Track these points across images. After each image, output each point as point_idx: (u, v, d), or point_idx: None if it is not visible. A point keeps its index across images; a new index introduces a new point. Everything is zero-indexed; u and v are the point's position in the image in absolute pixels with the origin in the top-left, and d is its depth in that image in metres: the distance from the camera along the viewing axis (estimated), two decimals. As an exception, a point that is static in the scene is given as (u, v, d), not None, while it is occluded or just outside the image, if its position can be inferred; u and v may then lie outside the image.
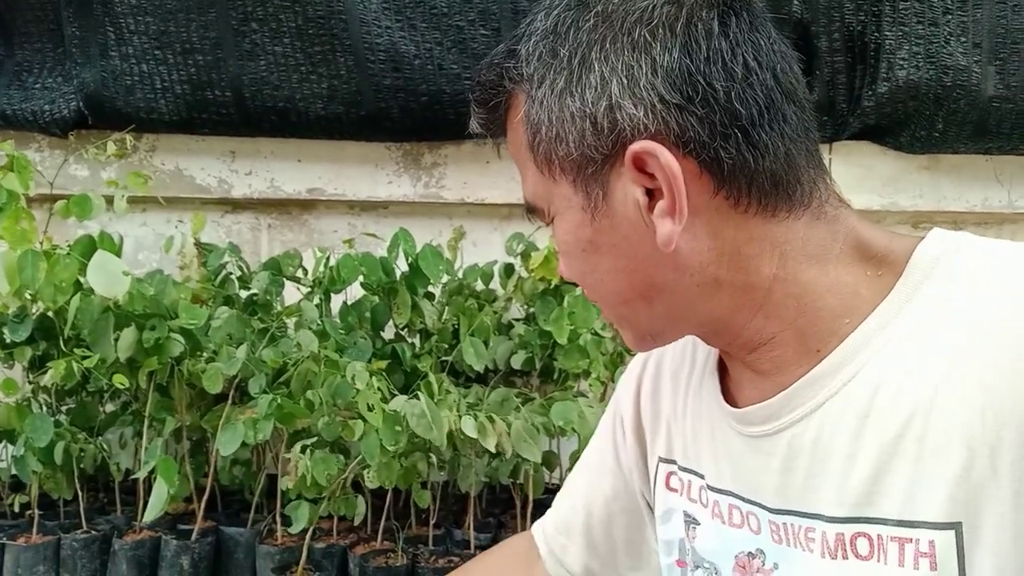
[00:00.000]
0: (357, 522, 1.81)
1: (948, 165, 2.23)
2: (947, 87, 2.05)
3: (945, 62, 2.04)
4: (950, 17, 2.04)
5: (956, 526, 0.64)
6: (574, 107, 0.70)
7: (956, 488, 0.64)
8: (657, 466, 0.95)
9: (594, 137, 0.70)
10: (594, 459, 1.06)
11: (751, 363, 0.79)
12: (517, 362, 1.97)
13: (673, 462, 0.92)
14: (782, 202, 0.72)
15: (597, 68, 0.69)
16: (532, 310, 2.03)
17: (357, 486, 1.80)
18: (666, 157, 0.68)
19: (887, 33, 2.06)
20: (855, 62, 2.13)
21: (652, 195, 0.70)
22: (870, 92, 2.10)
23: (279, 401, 1.62)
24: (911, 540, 0.66)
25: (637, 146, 0.68)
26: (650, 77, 0.68)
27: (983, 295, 0.67)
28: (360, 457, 1.66)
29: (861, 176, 2.23)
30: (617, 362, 1.96)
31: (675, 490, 0.91)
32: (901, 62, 2.06)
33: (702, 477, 0.87)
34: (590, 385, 1.91)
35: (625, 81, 0.68)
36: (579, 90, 0.70)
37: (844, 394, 0.72)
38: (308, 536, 1.72)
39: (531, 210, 0.77)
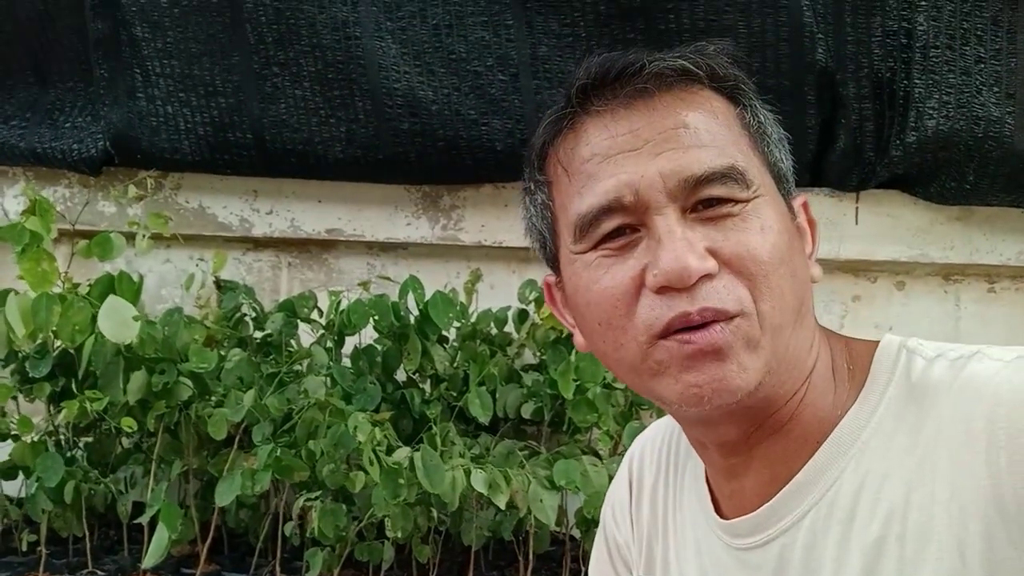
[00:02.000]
0: (385, 568, 1.79)
1: (981, 217, 2.15)
2: (979, 138, 1.98)
3: (977, 113, 1.97)
4: (983, 66, 1.97)
5: None
6: (781, 134, 0.81)
7: None
8: None
9: (788, 165, 0.80)
10: None
11: (741, 467, 0.78)
12: (527, 411, 1.95)
13: None
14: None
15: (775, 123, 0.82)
16: (544, 357, 2.01)
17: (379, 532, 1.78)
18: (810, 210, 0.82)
19: (917, 81, 2.00)
20: (883, 109, 2.07)
21: None
22: (898, 141, 2.04)
23: (278, 453, 1.62)
24: None
25: (803, 196, 0.82)
26: (785, 148, 0.81)
27: (939, 395, 0.70)
28: (372, 508, 1.65)
29: (889, 226, 2.17)
30: (628, 416, 1.92)
31: None
32: (931, 111, 1.99)
33: None
34: (599, 439, 1.88)
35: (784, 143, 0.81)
36: (779, 129, 0.81)
37: (828, 501, 0.73)
38: (307, 586, 1.71)
39: (729, 177, 0.72)
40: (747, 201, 0.72)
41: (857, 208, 2.17)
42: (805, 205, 0.81)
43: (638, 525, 0.95)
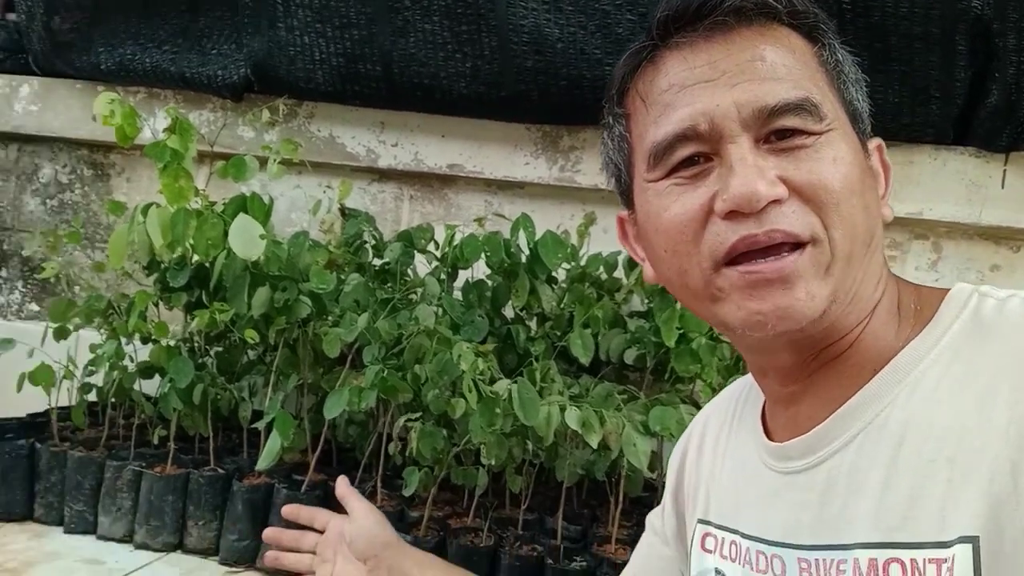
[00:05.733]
0: (479, 493, 1.85)
1: None
2: None
3: None
4: None
5: (973, 540, 0.64)
6: (859, 76, 0.82)
7: (978, 503, 0.65)
8: (695, 528, 0.95)
9: (864, 106, 0.82)
10: (647, 539, 1.10)
11: (800, 394, 0.80)
12: (629, 357, 1.95)
13: (709, 522, 0.93)
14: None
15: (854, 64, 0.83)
16: (652, 305, 1.99)
17: (476, 458, 1.84)
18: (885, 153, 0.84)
19: (1088, 34, 1.82)
20: (1046, 65, 1.90)
21: None
22: (1059, 100, 1.87)
23: (385, 374, 1.69)
24: (946, 560, 0.66)
25: (878, 139, 0.83)
26: (862, 89, 0.83)
27: (1004, 328, 0.71)
28: (469, 434, 1.71)
29: (1040, 192, 2.01)
30: (733, 369, 1.89)
31: (709, 551, 0.91)
32: (1100, 68, 1.82)
33: (735, 532, 0.87)
34: (701, 392, 1.86)
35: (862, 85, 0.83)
36: (857, 70, 0.83)
37: (878, 424, 0.73)
38: (406, 505, 1.80)
39: (803, 109, 0.73)
40: (820, 134, 0.74)
41: (1005, 171, 2.02)
42: (880, 148, 0.83)
43: (698, 472, 0.97)
